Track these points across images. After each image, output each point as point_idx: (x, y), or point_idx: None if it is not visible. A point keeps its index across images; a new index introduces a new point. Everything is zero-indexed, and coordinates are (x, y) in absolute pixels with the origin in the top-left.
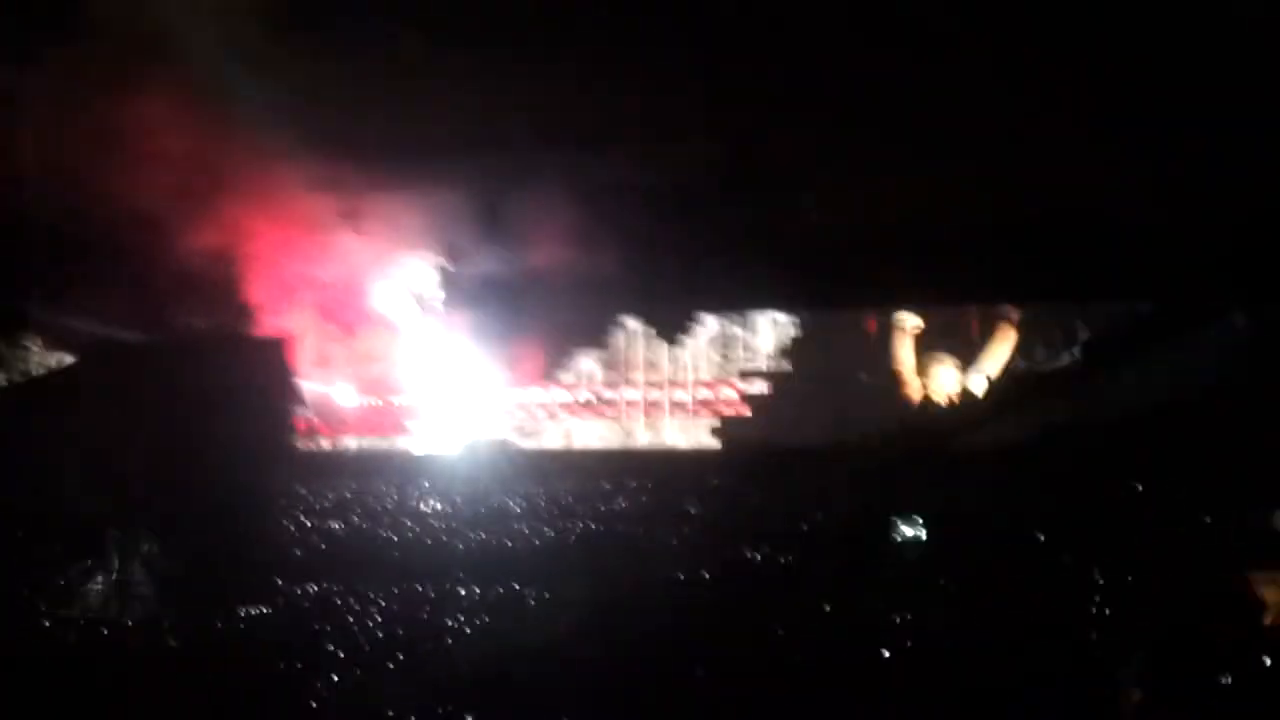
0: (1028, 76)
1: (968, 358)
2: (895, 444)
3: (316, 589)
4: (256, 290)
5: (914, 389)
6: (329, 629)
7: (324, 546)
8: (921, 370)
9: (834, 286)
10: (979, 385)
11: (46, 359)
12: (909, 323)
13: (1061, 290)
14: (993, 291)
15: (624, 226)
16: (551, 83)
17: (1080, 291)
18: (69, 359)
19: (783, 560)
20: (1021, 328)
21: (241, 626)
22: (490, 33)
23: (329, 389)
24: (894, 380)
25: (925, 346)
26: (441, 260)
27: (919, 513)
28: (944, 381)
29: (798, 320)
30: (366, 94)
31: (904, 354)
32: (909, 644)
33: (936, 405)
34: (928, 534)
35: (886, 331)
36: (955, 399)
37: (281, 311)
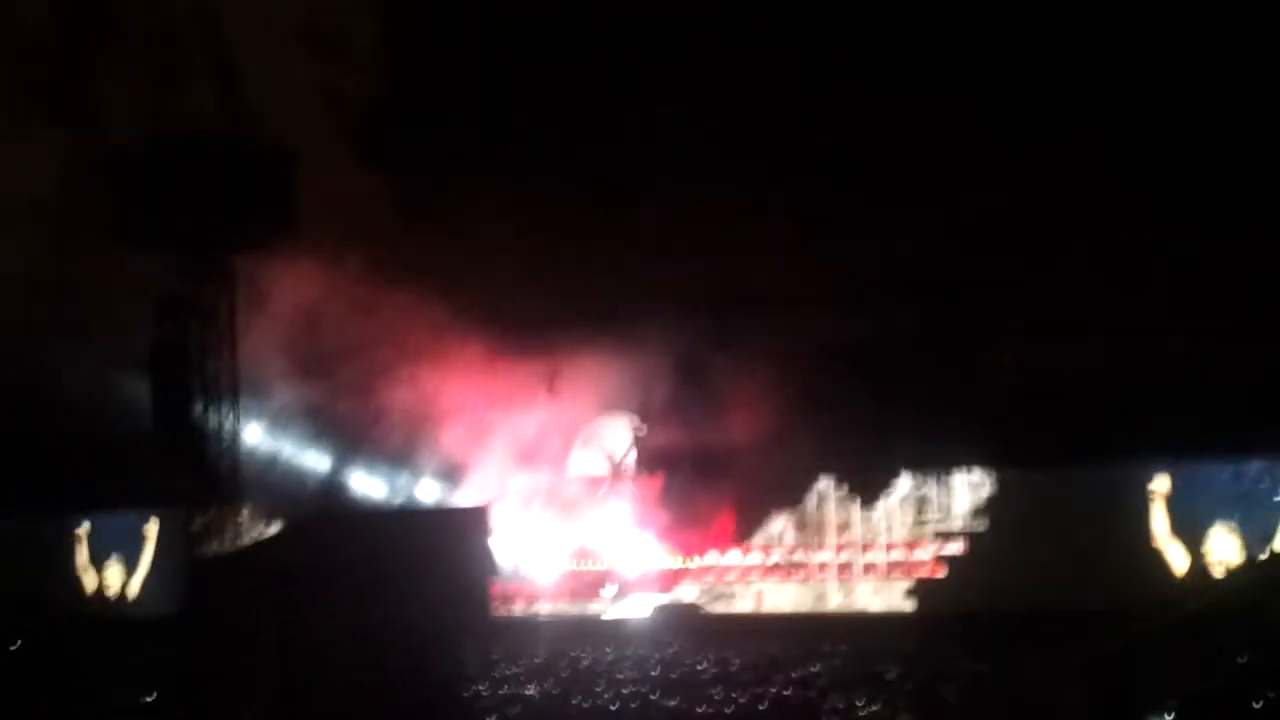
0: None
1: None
2: (1139, 617)
3: None
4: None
5: (1161, 555)
6: None
7: (518, 712)
8: (1176, 534)
9: (1033, 443)
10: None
11: (254, 527)
12: (1156, 484)
13: None
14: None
15: (817, 387)
16: (750, 244)
17: None
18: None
19: None
20: None
21: None
22: (687, 194)
23: (526, 554)
24: (1128, 545)
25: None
26: (637, 423)
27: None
28: (1202, 548)
29: (998, 479)
30: (562, 255)
31: (1153, 518)
32: None
33: (1184, 574)
34: None
35: (1120, 491)
36: (1219, 569)
37: (483, 478)
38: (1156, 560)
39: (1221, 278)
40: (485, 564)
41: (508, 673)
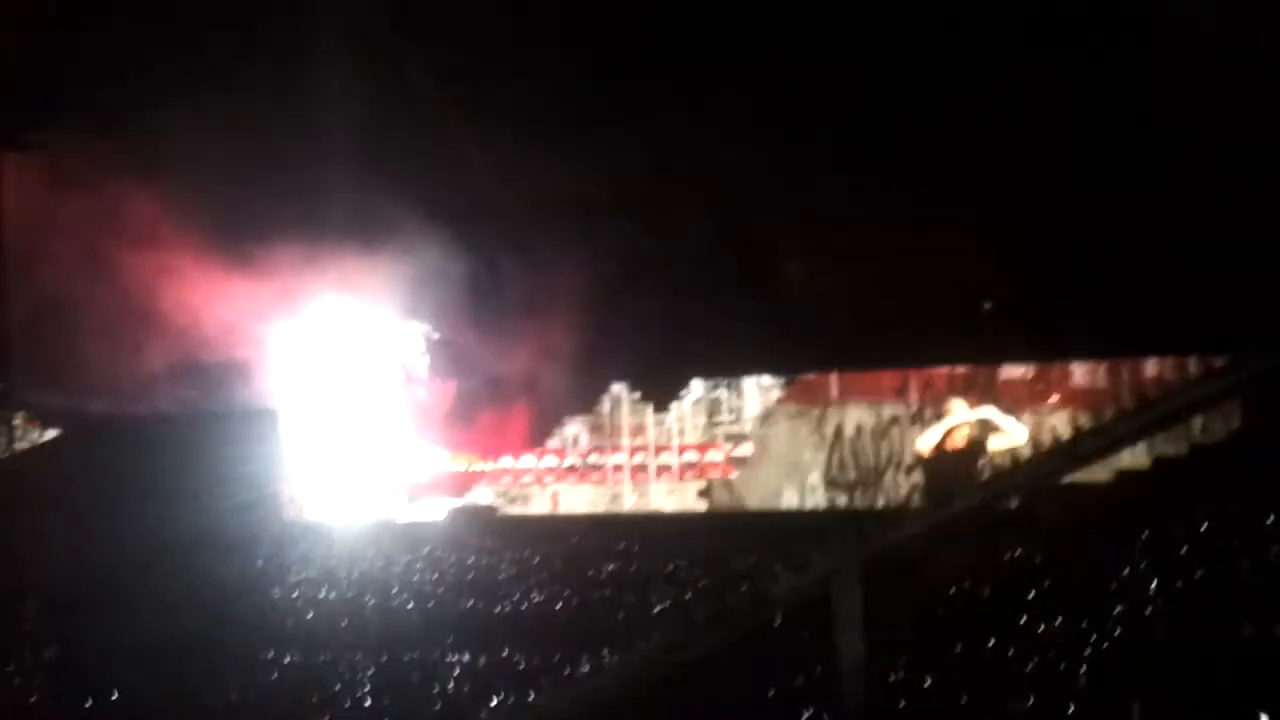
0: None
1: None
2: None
3: (304, 660)
4: (246, 362)
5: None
6: (316, 700)
7: (311, 617)
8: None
9: (820, 350)
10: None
11: (31, 434)
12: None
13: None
14: (973, 354)
15: (610, 294)
16: (546, 149)
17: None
18: (53, 434)
19: (776, 625)
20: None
21: (231, 700)
22: (493, 106)
23: (318, 460)
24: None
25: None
26: (430, 328)
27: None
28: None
29: (784, 383)
30: (358, 157)
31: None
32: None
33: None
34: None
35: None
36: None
37: (272, 383)
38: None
39: (988, 191)
40: (276, 470)
41: (302, 578)
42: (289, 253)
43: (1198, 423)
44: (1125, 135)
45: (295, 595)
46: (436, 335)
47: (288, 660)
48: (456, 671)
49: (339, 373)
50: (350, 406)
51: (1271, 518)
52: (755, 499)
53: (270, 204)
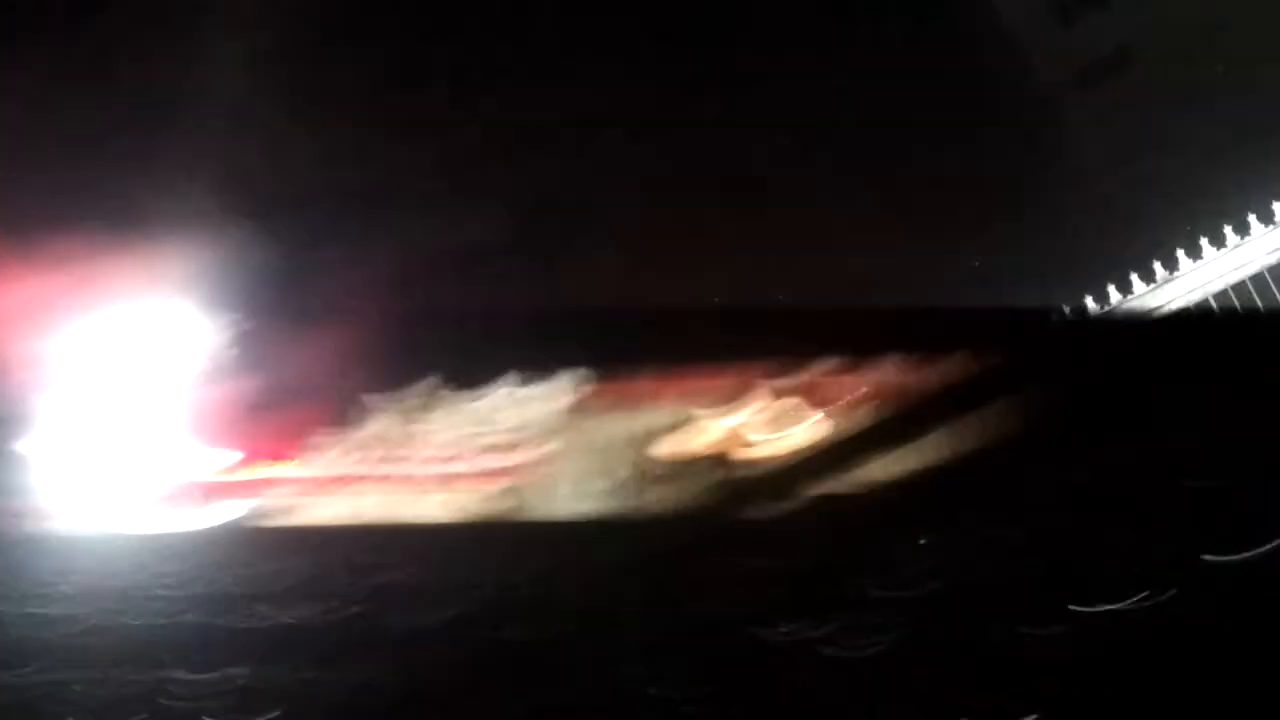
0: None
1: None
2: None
3: (32, 674)
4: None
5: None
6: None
7: (64, 632)
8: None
9: (611, 348)
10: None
11: None
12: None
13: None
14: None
15: (412, 292)
16: (354, 142)
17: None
18: None
19: (549, 638)
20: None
21: None
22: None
23: (76, 465)
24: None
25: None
26: (214, 325)
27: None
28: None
29: (546, 392)
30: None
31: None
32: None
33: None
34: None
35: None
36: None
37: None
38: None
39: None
40: (10, 479)
41: (47, 592)
42: (61, 245)
43: (983, 423)
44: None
45: (32, 610)
46: (221, 333)
47: (18, 678)
48: (214, 687)
49: (109, 372)
50: (119, 408)
51: (1050, 516)
52: (550, 504)
53: (47, 193)
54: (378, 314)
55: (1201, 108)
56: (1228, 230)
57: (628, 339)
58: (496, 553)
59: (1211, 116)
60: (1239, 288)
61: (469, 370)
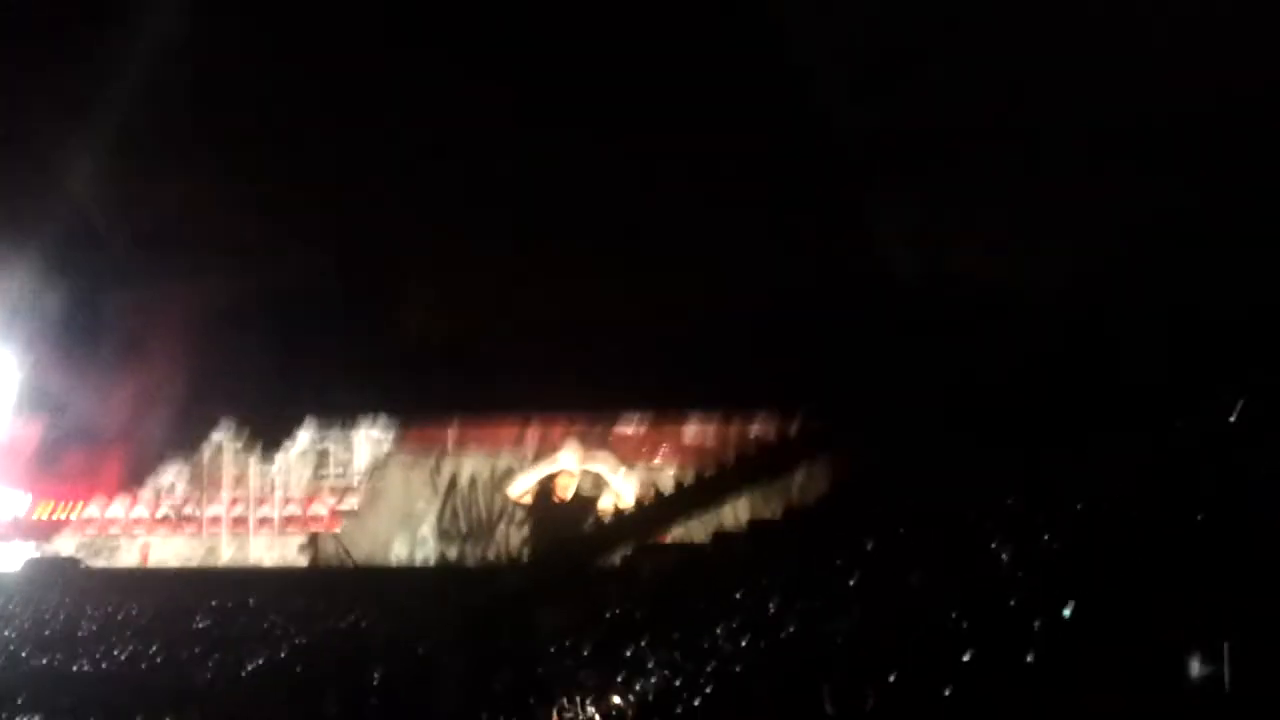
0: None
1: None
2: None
3: None
4: None
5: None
6: None
7: None
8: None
9: (433, 396)
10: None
11: None
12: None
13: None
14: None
15: (216, 336)
16: (155, 185)
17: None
18: None
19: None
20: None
21: None
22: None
23: None
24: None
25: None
26: (13, 361)
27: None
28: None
29: (394, 436)
30: None
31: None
32: None
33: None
34: None
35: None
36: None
37: None
38: (558, 516)
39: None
40: None
41: None
42: None
43: (794, 481)
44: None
45: None
46: (23, 369)
47: None
48: None
49: None
50: None
51: (856, 575)
52: (362, 552)
53: None
54: (183, 355)
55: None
56: None
57: (444, 384)
58: (326, 599)
59: None
60: None
61: (281, 412)
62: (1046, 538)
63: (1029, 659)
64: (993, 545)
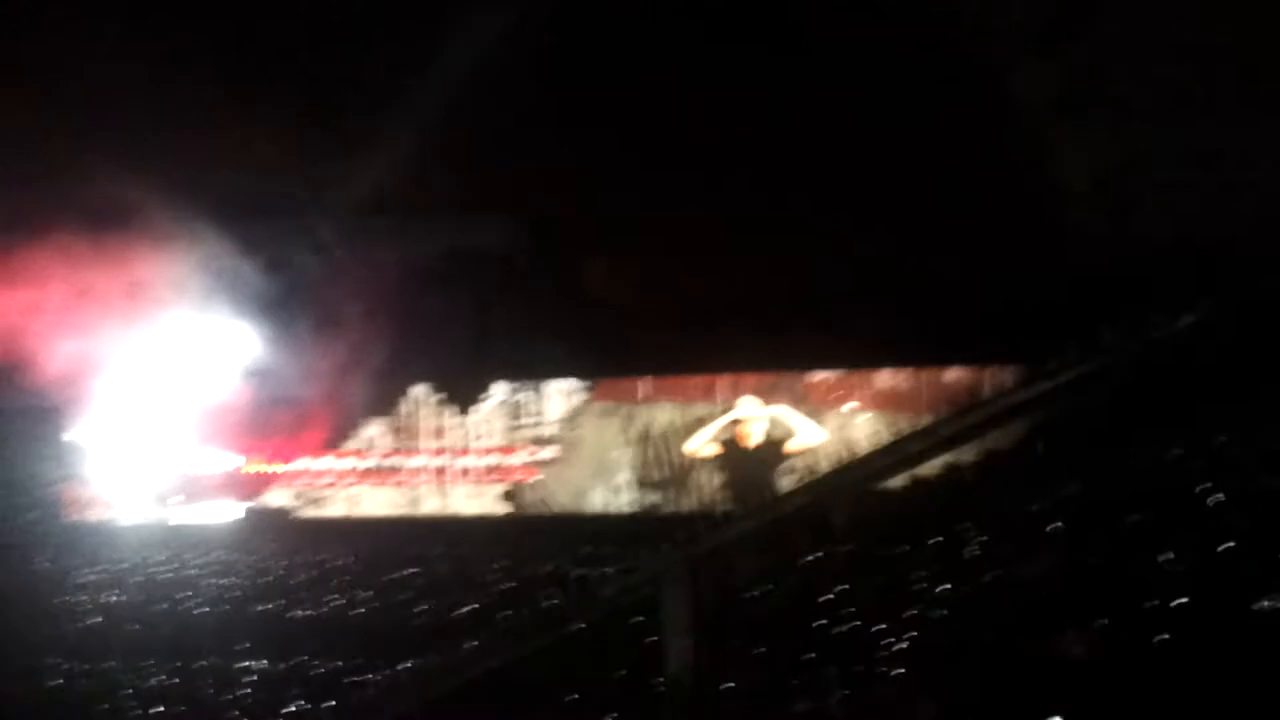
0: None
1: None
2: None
3: (91, 668)
4: (28, 359)
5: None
6: (106, 708)
7: (99, 623)
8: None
9: (624, 354)
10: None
11: None
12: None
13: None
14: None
15: (414, 295)
16: (347, 149)
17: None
18: None
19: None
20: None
21: (10, 711)
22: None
23: (106, 458)
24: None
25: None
26: (227, 326)
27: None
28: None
29: (589, 384)
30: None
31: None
32: None
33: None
34: None
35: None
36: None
37: (57, 380)
38: (748, 463)
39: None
40: (57, 469)
41: (86, 580)
42: (71, 246)
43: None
44: (926, 140)
45: (80, 600)
46: (235, 335)
47: (71, 668)
48: (252, 678)
49: (129, 370)
50: (140, 405)
51: (1058, 524)
52: (561, 501)
53: (53, 195)
54: (385, 316)
55: None
56: None
57: (653, 340)
58: (531, 546)
59: None
60: None
61: (476, 371)
62: (1259, 479)
63: (1244, 605)
64: (1201, 489)
